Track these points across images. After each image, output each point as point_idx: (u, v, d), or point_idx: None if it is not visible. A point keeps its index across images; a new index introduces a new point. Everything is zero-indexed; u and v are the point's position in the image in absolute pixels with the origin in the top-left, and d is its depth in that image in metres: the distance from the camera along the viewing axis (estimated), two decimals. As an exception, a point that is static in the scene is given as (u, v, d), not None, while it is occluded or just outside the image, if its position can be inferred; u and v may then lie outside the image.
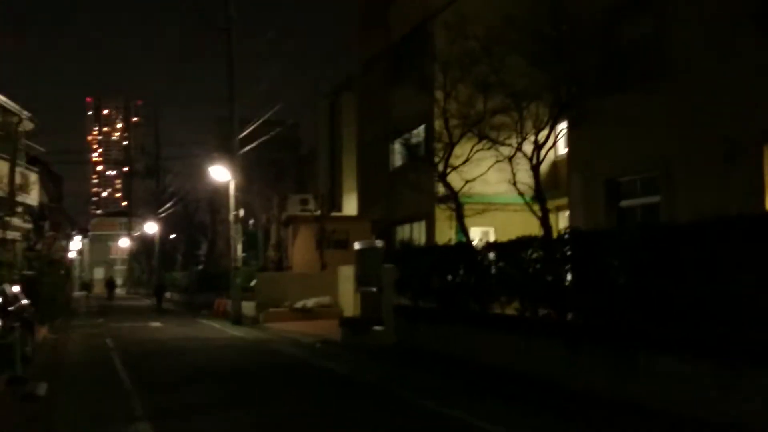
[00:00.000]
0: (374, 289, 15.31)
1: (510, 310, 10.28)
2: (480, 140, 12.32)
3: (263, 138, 23.45)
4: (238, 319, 22.68)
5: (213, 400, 9.05)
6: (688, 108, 10.86)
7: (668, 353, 7.15)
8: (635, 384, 7.58)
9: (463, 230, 12.99)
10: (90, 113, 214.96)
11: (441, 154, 12.88)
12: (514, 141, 11.73)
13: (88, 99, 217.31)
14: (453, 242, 13.81)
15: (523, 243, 9.83)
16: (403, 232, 24.79)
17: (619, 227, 11.42)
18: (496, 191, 16.22)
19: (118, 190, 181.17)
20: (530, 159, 11.33)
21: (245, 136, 24.14)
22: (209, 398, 9.21)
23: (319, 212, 29.38)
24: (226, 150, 24.56)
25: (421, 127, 23.50)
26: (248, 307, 23.45)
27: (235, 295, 23.45)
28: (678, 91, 10.98)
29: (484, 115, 11.89)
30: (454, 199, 12.72)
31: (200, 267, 47.20)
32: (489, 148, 12.30)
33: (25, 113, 20.51)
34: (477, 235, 21.04)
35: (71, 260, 58.24)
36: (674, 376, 7.04)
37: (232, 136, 23.56)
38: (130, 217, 68.68)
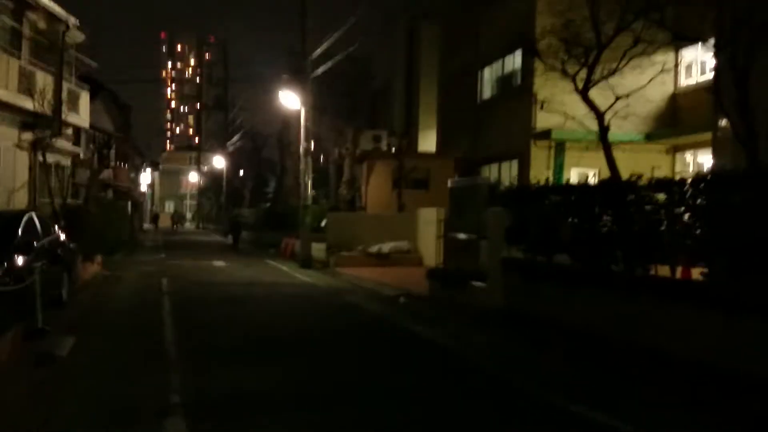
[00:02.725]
0: (465, 236, 12.58)
1: (680, 273, 7.42)
2: (636, 42, 9.13)
3: (338, 57, 20.71)
4: (307, 262, 20.53)
5: (278, 386, 6.49)
6: None
7: None
8: None
9: (609, 163, 9.91)
10: (164, 50, 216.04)
11: (581, 61, 9.73)
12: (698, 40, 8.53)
13: (162, 34, 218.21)
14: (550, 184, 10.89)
15: (721, 180, 6.82)
16: (490, 172, 22.08)
17: None
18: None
19: (190, 127, 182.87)
20: (731, 61, 8.15)
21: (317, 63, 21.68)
22: (273, 382, 6.65)
23: (394, 148, 26.78)
24: (297, 78, 22.10)
25: (518, 52, 20.55)
26: (318, 249, 21.28)
27: (304, 236, 21.29)
28: None
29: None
30: (599, 120, 9.65)
31: (268, 205, 45.71)
32: (652, 54, 9.15)
33: (72, 20, 18.15)
34: (575, 177, 18.15)
35: (142, 193, 57.72)
36: None
37: (303, 56, 20.86)
38: (199, 151, 67.92)
